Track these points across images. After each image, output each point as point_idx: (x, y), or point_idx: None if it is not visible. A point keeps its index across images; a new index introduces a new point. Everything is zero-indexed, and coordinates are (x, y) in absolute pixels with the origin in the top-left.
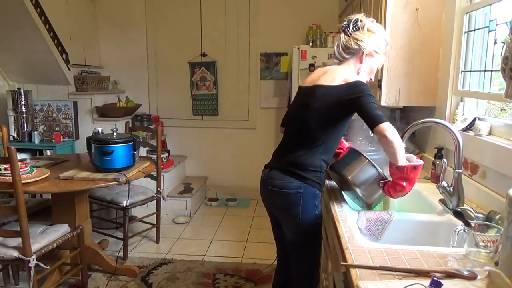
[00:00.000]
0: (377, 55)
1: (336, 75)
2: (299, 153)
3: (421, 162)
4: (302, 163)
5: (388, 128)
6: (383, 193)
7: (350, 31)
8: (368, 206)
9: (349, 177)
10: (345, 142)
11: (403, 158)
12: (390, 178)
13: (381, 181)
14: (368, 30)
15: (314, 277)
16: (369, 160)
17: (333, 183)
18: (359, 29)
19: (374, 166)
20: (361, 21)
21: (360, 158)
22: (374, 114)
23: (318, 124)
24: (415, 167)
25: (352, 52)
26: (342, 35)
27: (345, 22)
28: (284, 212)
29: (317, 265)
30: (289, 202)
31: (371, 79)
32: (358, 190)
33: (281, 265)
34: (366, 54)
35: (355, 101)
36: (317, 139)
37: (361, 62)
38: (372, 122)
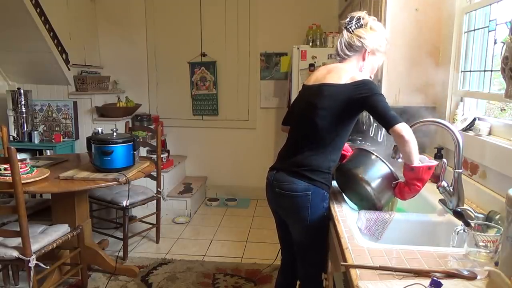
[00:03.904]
0: (378, 53)
1: (342, 74)
2: (307, 154)
3: (434, 162)
4: (311, 164)
5: (405, 129)
6: (392, 194)
7: (353, 28)
8: (379, 208)
9: (360, 175)
10: (347, 145)
11: (417, 159)
12: (400, 179)
13: (393, 182)
14: (370, 28)
15: (321, 278)
16: (381, 158)
17: (334, 183)
18: (361, 26)
19: (387, 165)
20: (363, 18)
21: (371, 156)
22: (390, 114)
23: (327, 124)
24: (429, 168)
25: (355, 49)
26: (345, 32)
27: (348, 19)
28: (292, 215)
29: (324, 267)
30: (297, 204)
31: (370, 77)
32: (369, 189)
33: (285, 266)
34: (368, 52)
35: (365, 100)
36: (326, 138)
37: (363, 59)
38: (388, 122)
